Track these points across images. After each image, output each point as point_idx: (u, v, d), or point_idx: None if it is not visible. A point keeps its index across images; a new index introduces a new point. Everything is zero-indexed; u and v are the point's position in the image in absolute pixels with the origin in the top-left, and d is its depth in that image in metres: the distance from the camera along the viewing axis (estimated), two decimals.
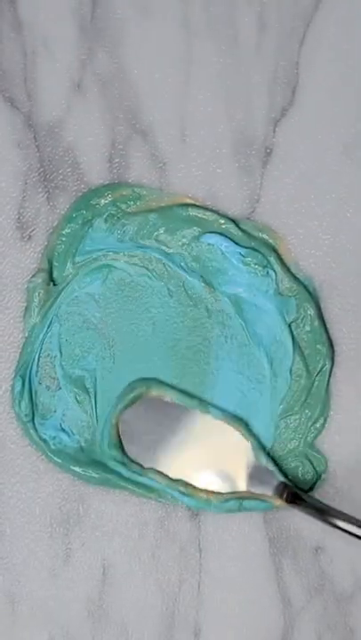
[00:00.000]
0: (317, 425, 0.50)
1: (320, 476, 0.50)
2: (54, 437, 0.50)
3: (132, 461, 0.49)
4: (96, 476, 0.50)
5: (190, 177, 0.51)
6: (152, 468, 0.49)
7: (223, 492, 0.49)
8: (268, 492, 0.48)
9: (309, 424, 0.50)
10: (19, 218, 0.51)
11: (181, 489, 0.49)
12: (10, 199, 0.51)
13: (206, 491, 0.49)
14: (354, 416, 0.50)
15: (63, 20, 0.51)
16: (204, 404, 0.49)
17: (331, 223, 0.51)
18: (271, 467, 0.48)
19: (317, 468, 0.50)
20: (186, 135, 0.51)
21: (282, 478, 0.48)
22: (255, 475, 0.48)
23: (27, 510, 0.50)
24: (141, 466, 0.49)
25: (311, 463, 0.50)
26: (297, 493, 0.48)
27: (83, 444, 0.49)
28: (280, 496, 0.48)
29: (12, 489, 0.50)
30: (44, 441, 0.50)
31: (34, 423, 0.50)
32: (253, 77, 0.51)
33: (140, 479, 0.49)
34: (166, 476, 0.49)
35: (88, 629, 0.50)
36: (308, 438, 0.50)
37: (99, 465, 0.50)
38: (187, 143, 0.51)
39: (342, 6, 0.51)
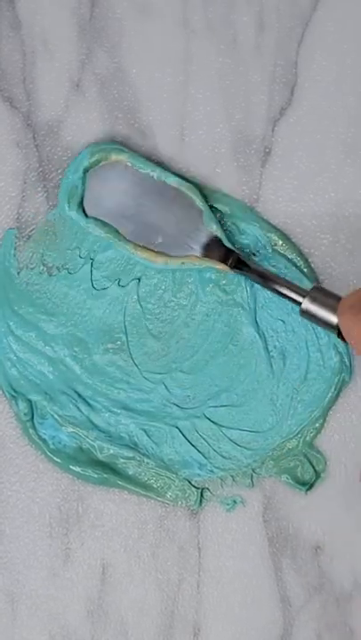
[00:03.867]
0: (317, 425, 0.50)
1: (320, 475, 0.50)
2: (53, 437, 0.50)
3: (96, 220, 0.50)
4: (95, 475, 0.50)
5: (189, 177, 0.51)
6: (113, 226, 0.50)
7: (176, 255, 0.49)
8: (216, 258, 0.49)
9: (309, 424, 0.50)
10: (18, 217, 0.51)
11: (139, 253, 0.49)
12: (9, 199, 0.51)
13: (162, 254, 0.49)
14: (354, 416, 0.50)
15: (62, 19, 0.51)
16: (162, 170, 0.50)
17: (330, 223, 0.51)
18: (220, 233, 0.49)
19: (317, 468, 0.50)
20: (185, 135, 0.51)
21: (228, 245, 0.49)
22: (204, 241, 0.49)
23: (26, 510, 0.50)
24: (102, 222, 0.50)
25: (311, 463, 0.50)
26: (241, 259, 0.48)
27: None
28: (224, 261, 0.49)
29: (11, 489, 0.50)
30: (44, 440, 0.50)
31: (33, 422, 0.50)
32: (252, 77, 0.51)
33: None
34: (125, 238, 0.50)
35: (88, 628, 0.50)
36: (308, 438, 0.50)
37: (98, 464, 0.50)
38: (186, 143, 0.51)
39: (340, 7, 0.51)
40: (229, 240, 0.49)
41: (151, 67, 0.51)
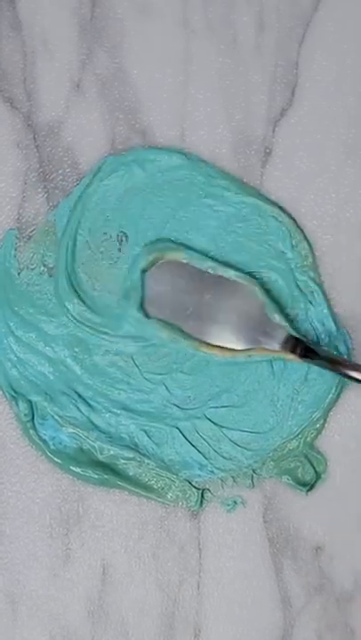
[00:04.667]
0: (317, 425, 0.50)
1: (320, 475, 0.50)
2: (54, 438, 0.50)
3: (154, 318, 0.49)
4: (95, 476, 0.50)
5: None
6: (175, 324, 0.49)
7: (238, 348, 0.49)
8: (281, 347, 0.49)
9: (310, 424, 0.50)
10: (18, 218, 0.51)
11: (204, 349, 0.49)
12: (10, 199, 0.51)
13: (221, 347, 0.49)
14: (354, 416, 0.50)
15: (63, 20, 0.51)
16: (218, 264, 0.49)
17: (331, 223, 0.51)
18: (284, 323, 0.49)
19: (317, 468, 0.50)
20: (185, 135, 0.51)
21: (294, 333, 0.49)
22: (269, 332, 0.49)
23: (26, 510, 0.50)
24: (166, 322, 0.49)
25: (311, 463, 0.50)
26: (309, 347, 0.48)
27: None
28: (292, 351, 0.48)
29: (11, 489, 0.50)
30: (44, 441, 0.50)
31: (33, 423, 0.50)
32: (253, 77, 0.51)
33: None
34: (185, 333, 0.49)
35: (88, 629, 0.50)
36: (308, 438, 0.50)
37: (98, 465, 0.50)
38: (186, 143, 0.51)
39: (341, 7, 0.51)
40: (294, 328, 0.49)
41: (152, 67, 0.51)
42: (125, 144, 0.51)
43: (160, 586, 0.50)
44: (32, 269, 0.51)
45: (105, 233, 0.51)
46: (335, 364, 0.47)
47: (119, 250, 0.50)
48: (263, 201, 0.50)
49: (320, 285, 0.50)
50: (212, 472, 0.50)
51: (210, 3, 0.51)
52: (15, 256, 0.51)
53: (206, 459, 0.50)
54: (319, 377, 0.50)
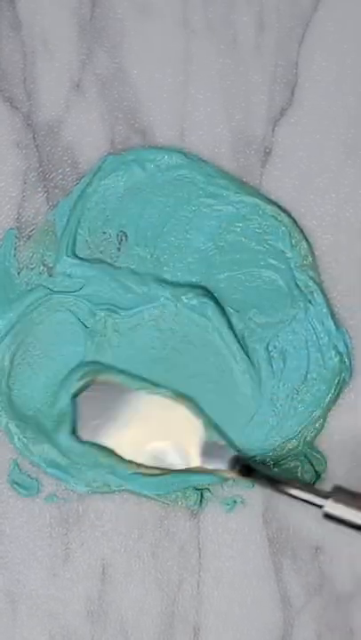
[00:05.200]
0: (317, 425, 0.50)
1: (320, 475, 0.50)
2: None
3: (85, 442, 0.49)
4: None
5: None
6: (106, 447, 0.49)
7: (177, 468, 0.49)
8: (221, 466, 0.49)
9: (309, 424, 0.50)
10: (18, 217, 0.51)
11: (132, 468, 0.49)
12: (9, 199, 0.51)
13: (159, 468, 0.49)
14: (354, 416, 0.50)
15: (63, 20, 0.51)
16: (152, 385, 0.49)
17: (330, 223, 0.51)
18: (222, 442, 0.49)
19: (317, 468, 0.50)
20: (185, 135, 0.51)
21: (233, 452, 0.49)
22: (207, 450, 0.49)
23: (26, 510, 0.50)
24: (98, 445, 0.49)
25: (311, 463, 0.50)
26: (249, 465, 0.48)
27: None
28: (232, 468, 0.48)
29: (11, 489, 0.50)
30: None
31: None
32: (253, 77, 0.51)
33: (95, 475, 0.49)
34: (118, 456, 0.49)
35: (88, 628, 0.50)
36: (308, 438, 0.50)
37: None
38: (186, 143, 0.51)
39: (341, 7, 0.51)
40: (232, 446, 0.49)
41: (152, 67, 0.51)
42: (125, 144, 0.51)
43: (160, 585, 0.50)
44: (32, 269, 0.51)
45: (105, 232, 0.51)
46: (277, 482, 0.47)
47: (118, 249, 0.50)
48: (263, 200, 0.50)
49: (320, 285, 0.50)
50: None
51: (210, 3, 0.51)
52: (15, 255, 0.51)
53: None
54: (319, 377, 0.50)
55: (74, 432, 0.49)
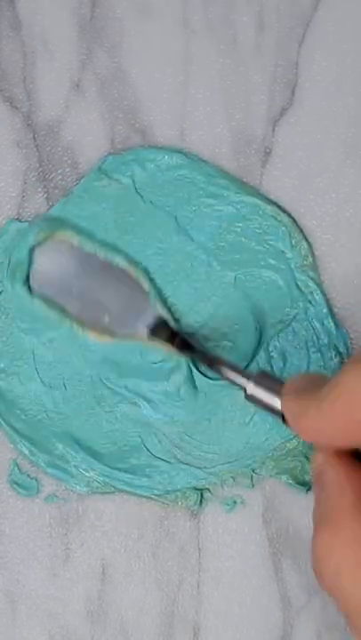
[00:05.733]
0: None
1: None
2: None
3: (39, 297, 0.49)
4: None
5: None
6: (60, 304, 0.49)
7: (122, 335, 0.49)
8: (164, 339, 0.49)
9: None
10: (18, 218, 0.51)
11: (84, 331, 0.49)
12: (9, 199, 0.51)
13: (107, 333, 0.49)
14: None
15: (62, 19, 0.51)
16: (108, 250, 0.50)
17: (330, 223, 0.51)
18: (165, 315, 0.49)
19: None
20: (185, 135, 0.51)
21: (173, 326, 0.49)
22: (153, 323, 0.49)
23: (26, 510, 0.50)
24: (49, 300, 0.49)
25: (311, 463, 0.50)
26: (185, 339, 0.48)
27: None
28: (172, 343, 0.49)
29: (11, 489, 0.50)
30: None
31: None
32: (253, 77, 0.51)
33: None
34: (71, 315, 0.49)
35: (87, 628, 0.50)
36: None
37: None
38: (186, 143, 0.51)
39: (341, 7, 0.51)
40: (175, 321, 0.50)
41: (151, 67, 0.51)
42: (125, 143, 0.51)
43: (159, 585, 0.50)
44: None
45: None
46: (210, 360, 0.47)
47: None
48: (263, 200, 0.50)
49: (320, 285, 0.50)
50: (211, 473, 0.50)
51: (210, 3, 0.51)
52: None
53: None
54: None
55: (26, 283, 0.50)
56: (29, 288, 0.49)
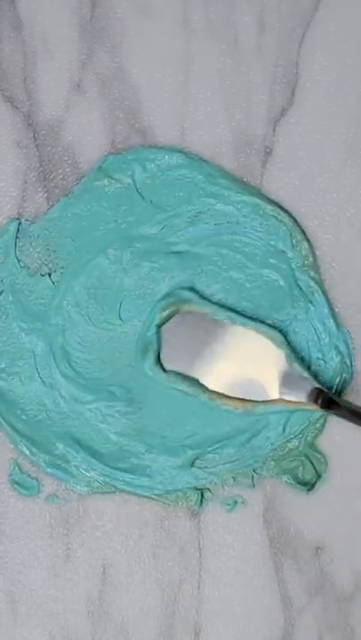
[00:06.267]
0: (317, 425, 0.50)
1: (320, 475, 0.50)
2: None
3: (171, 371, 0.49)
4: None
5: None
6: (193, 377, 0.49)
7: (257, 399, 0.49)
8: (302, 398, 0.48)
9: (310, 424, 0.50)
10: (18, 217, 0.51)
11: (221, 402, 0.49)
12: (10, 199, 0.51)
13: (239, 399, 0.49)
14: None
15: (63, 19, 0.51)
16: (236, 316, 0.49)
17: (331, 223, 0.51)
18: (306, 374, 0.48)
19: (318, 468, 0.50)
20: (186, 135, 0.51)
21: (317, 384, 0.48)
22: (288, 383, 0.48)
23: (27, 510, 0.50)
24: (181, 374, 0.49)
25: (312, 463, 0.50)
26: (332, 398, 0.48)
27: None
28: (314, 402, 0.48)
29: (11, 488, 0.50)
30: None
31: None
32: (253, 77, 0.51)
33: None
34: (203, 386, 0.49)
35: (88, 629, 0.50)
36: (309, 438, 0.50)
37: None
38: (187, 143, 0.51)
39: (342, 7, 0.51)
40: (315, 377, 0.49)
41: (152, 67, 0.51)
42: (126, 143, 0.51)
43: (160, 585, 0.50)
44: None
45: None
46: (357, 416, 0.47)
47: None
48: (263, 200, 0.50)
49: (321, 285, 0.50)
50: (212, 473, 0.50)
51: (210, 3, 0.51)
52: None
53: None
54: (320, 377, 0.50)
55: (158, 362, 0.49)
56: (162, 366, 0.49)
